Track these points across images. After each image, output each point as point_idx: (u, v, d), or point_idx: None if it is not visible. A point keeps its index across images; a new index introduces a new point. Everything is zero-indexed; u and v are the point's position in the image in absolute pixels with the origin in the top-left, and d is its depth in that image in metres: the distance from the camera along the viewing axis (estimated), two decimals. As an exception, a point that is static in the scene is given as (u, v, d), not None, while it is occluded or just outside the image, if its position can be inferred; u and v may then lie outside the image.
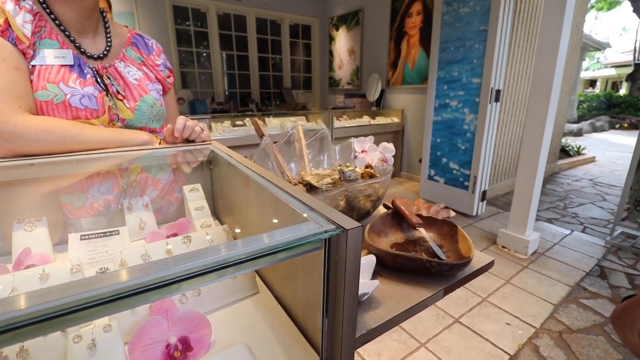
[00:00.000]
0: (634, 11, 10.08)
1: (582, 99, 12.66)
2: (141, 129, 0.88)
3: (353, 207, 0.74)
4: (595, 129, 10.13)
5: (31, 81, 0.73)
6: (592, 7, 16.13)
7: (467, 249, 0.62)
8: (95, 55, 0.82)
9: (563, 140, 5.42)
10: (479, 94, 2.85)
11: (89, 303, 0.24)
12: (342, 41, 4.90)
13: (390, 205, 0.78)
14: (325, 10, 5.09)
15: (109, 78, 0.83)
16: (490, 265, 0.64)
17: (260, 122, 0.89)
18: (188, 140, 0.86)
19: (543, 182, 2.47)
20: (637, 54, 11.73)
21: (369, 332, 0.47)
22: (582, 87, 17.53)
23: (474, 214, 3.09)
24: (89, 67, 0.80)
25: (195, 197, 0.76)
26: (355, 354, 1.52)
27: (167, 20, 3.88)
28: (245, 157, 0.71)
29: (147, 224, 0.72)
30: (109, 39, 0.86)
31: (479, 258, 0.64)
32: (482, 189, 3.05)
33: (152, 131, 0.91)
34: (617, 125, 10.78)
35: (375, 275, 0.59)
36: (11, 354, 0.38)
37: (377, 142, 0.90)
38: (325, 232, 0.35)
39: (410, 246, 0.69)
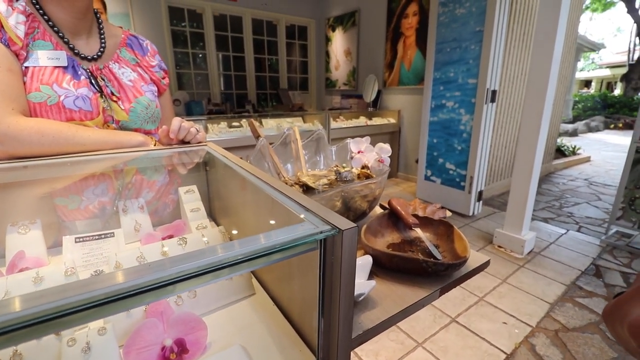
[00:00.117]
0: (628, 12, 10.19)
1: (577, 99, 12.76)
2: (136, 130, 0.87)
3: (349, 208, 0.75)
4: (590, 129, 10.20)
5: (24, 83, 0.72)
6: (587, 8, 16.27)
7: (463, 249, 0.62)
8: (89, 57, 0.82)
9: (558, 140, 5.46)
10: (475, 94, 2.87)
11: (82, 306, 0.24)
12: (338, 42, 4.91)
13: (387, 206, 0.78)
14: (321, 11, 5.09)
15: (104, 79, 0.82)
16: (486, 264, 0.64)
17: (256, 124, 0.89)
18: (183, 142, 0.85)
19: (539, 182, 2.48)
20: (631, 55, 11.85)
21: (366, 333, 0.47)
22: (577, 87, 17.66)
23: (471, 214, 3.10)
24: (83, 69, 0.80)
25: (191, 198, 0.75)
26: (353, 354, 1.52)
27: (163, 21, 3.87)
28: (241, 158, 0.71)
29: (143, 226, 0.72)
30: (103, 40, 0.85)
31: (475, 258, 0.64)
32: (479, 189, 3.06)
33: (147, 133, 0.91)
34: (612, 126, 10.86)
35: (371, 275, 0.59)
36: (5, 357, 0.38)
37: (373, 143, 0.91)
38: (321, 232, 0.35)
39: (407, 246, 0.69)
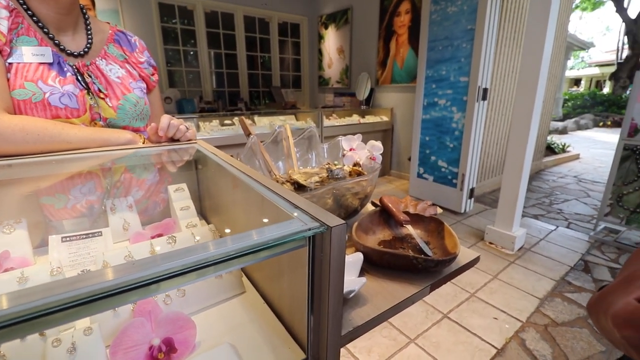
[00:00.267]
0: (617, 11, 10.34)
1: (567, 97, 12.94)
2: (124, 128, 0.86)
3: (341, 205, 0.74)
4: (579, 127, 10.35)
5: (8, 79, 0.70)
6: (577, 7, 16.47)
7: (453, 245, 0.62)
8: (76, 53, 0.80)
9: (548, 138, 5.53)
10: (466, 92, 2.89)
11: (64, 305, 0.23)
12: (331, 40, 4.90)
13: (378, 203, 0.78)
14: (314, 9, 5.07)
15: (90, 76, 0.81)
16: (475, 261, 0.65)
17: (247, 121, 0.89)
18: (173, 140, 0.84)
19: (529, 179, 2.51)
20: (619, 54, 12.03)
21: (356, 329, 0.47)
22: (567, 85, 17.91)
23: (462, 211, 3.13)
24: (69, 65, 0.78)
25: (180, 197, 0.75)
26: (346, 351, 1.53)
27: (153, 18, 3.82)
28: (231, 156, 0.70)
29: (131, 224, 0.71)
30: (89, 36, 0.84)
31: (465, 254, 0.65)
32: (470, 187, 3.09)
33: (136, 130, 0.89)
34: (601, 123, 11.03)
35: (362, 272, 0.59)
36: (-13, 359, 0.37)
37: (366, 141, 0.90)
38: (309, 229, 0.35)
39: (398, 243, 0.69)
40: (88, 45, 0.83)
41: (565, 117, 11.15)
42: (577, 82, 20.60)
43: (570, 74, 19.21)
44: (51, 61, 0.75)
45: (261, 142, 0.84)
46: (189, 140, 0.86)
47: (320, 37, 5.08)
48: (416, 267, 0.57)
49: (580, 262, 2.33)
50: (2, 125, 0.66)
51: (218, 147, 0.79)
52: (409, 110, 3.92)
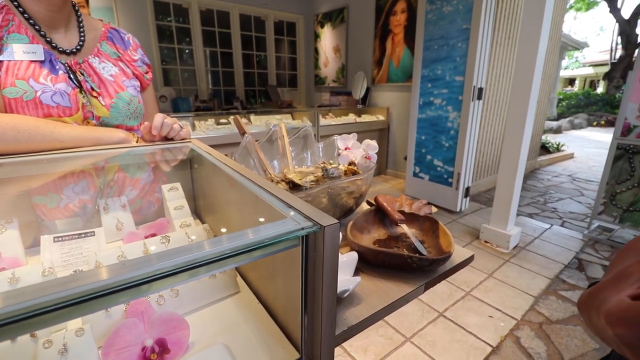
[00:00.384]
0: (610, 12, 10.43)
1: (561, 97, 13.03)
2: (117, 127, 0.85)
3: (336, 205, 0.74)
4: (574, 127, 10.43)
5: (-1, 77, 0.69)
6: (571, 7, 16.59)
7: (448, 244, 0.62)
8: (68, 51, 0.79)
9: (543, 137, 5.57)
10: (462, 91, 2.90)
11: (54, 305, 0.23)
12: (327, 39, 4.89)
13: (373, 202, 0.78)
14: (310, 8, 5.06)
15: (83, 74, 0.80)
16: (470, 259, 0.65)
17: (242, 120, 0.88)
18: (167, 139, 0.84)
19: (524, 178, 2.53)
20: (613, 54, 12.14)
21: (350, 329, 0.47)
22: (561, 85, 18.04)
23: (458, 210, 3.14)
24: (61, 63, 0.77)
25: (174, 196, 0.74)
26: (342, 350, 1.53)
27: (148, 16, 3.79)
28: (226, 155, 0.70)
29: (125, 224, 0.70)
30: (82, 34, 0.83)
31: (459, 253, 0.65)
32: (466, 186, 3.10)
33: (130, 129, 0.89)
34: (595, 123, 11.13)
35: (357, 271, 0.59)
36: (-24, 361, 0.37)
37: (362, 140, 0.90)
38: (302, 229, 0.34)
39: (393, 242, 0.70)
40: (80, 42, 0.82)
41: (559, 116, 11.23)
42: (571, 81, 20.77)
43: (564, 73, 19.36)
44: (43, 59, 0.74)
45: (256, 141, 0.84)
46: (183, 139, 0.86)
47: (317, 36, 5.08)
48: (411, 266, 0.58)
49: (574, 260, 2.35)
50: (-8, 124, 0.65)
51: (214, 146, 0.78)
52: (405, 110, 3.93)
